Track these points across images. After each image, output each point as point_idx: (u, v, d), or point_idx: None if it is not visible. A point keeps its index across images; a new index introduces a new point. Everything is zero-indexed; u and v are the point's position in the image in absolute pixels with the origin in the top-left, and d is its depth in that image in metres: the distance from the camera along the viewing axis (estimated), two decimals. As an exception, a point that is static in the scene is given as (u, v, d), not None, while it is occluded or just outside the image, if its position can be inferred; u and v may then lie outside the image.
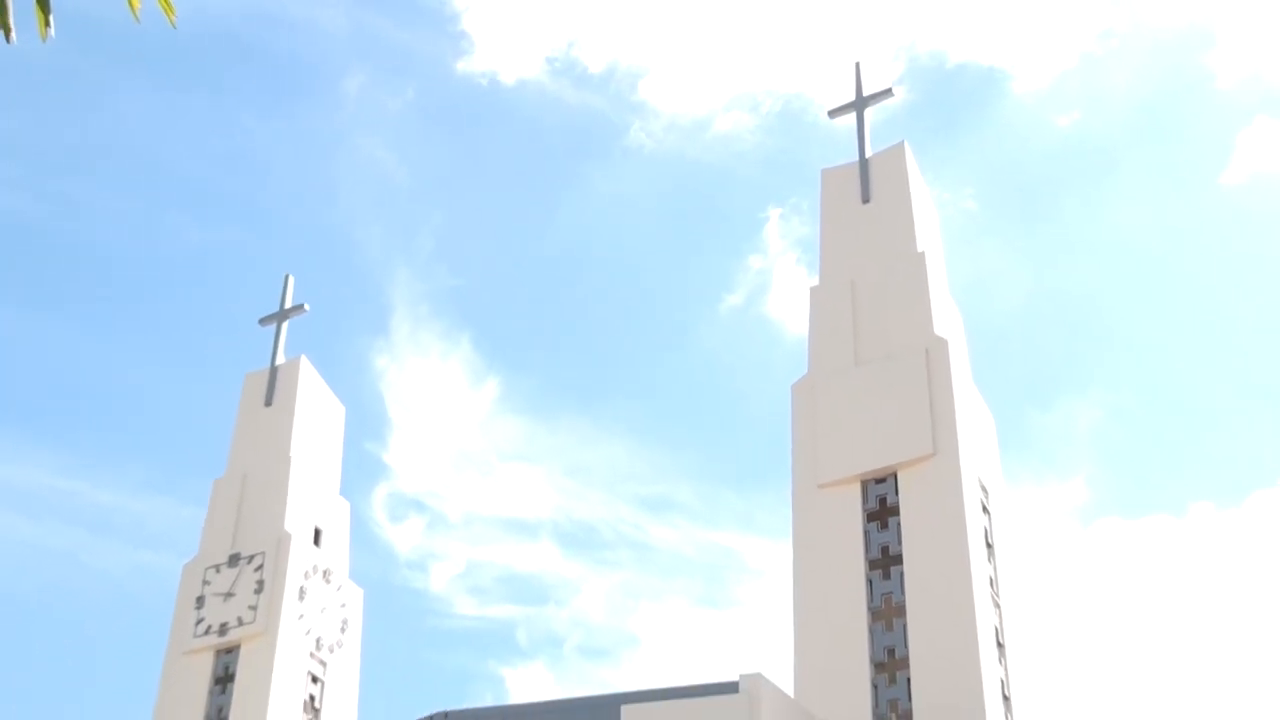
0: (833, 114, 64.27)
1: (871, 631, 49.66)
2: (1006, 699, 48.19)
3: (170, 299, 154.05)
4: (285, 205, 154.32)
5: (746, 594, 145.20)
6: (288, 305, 70.81)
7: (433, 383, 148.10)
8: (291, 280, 71.41)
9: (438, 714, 51.03)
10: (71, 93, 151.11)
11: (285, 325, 70.33)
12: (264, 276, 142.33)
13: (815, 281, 59.10)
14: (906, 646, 48.62)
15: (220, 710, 59.95)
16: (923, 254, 57.48)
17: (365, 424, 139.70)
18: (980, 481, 52.57)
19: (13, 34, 15.64)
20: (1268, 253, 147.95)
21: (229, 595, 62.30)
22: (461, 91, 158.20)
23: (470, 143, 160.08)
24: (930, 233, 60.82)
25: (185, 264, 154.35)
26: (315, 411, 68.60)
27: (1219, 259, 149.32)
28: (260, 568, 62.41)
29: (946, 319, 56.82)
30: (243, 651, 60.87)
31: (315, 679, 62.11)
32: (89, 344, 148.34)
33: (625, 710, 48.33)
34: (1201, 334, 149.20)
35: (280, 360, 69.38)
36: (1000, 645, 49.21)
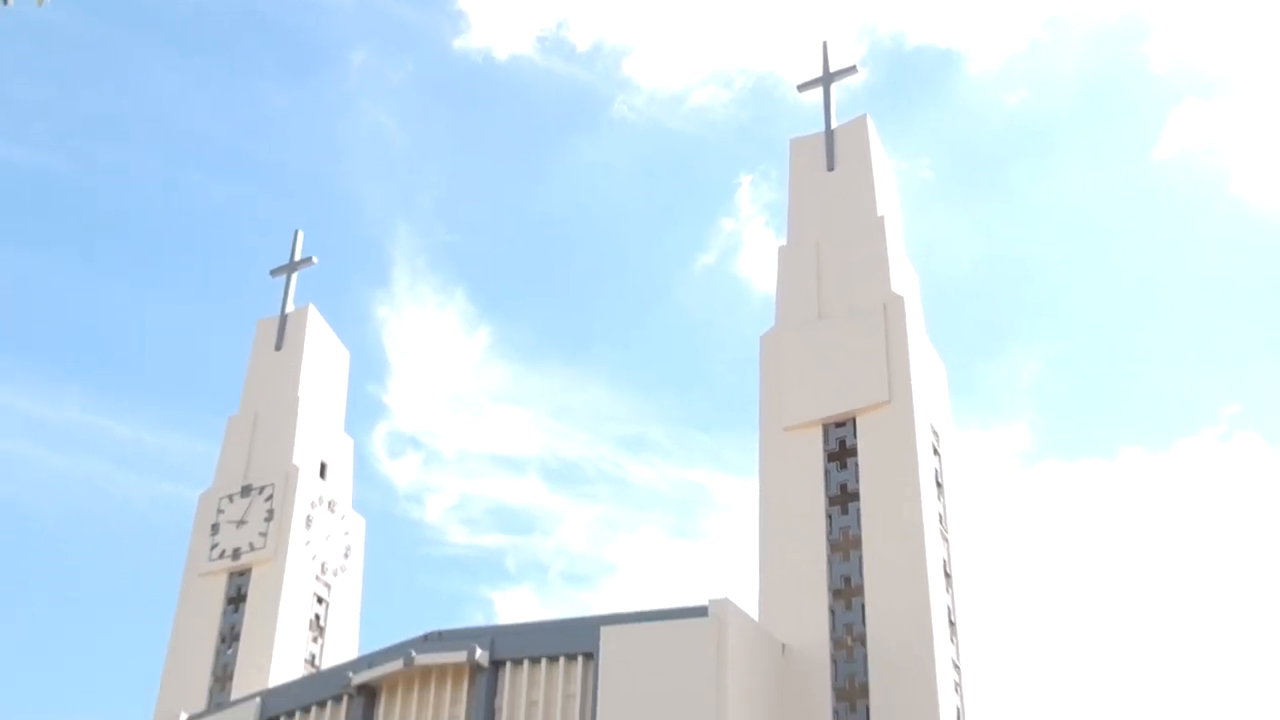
0: (801, 88, 64.16)
1: (830, 562, 49.84)
2: (953, 624, 48.36)
3: (189, 251, 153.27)
4: (295, 166, 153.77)
5: (715, 527, 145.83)
6: (297, 258, 70.49)
7: (429, 330, 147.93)
8: (301, 235, 71.08)
9: (432, 633, 50.57)
10: (100, 61, 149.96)
11: (295, 276, 70.05)
12: (275, 231, 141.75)
13: (783, 242, 59.07)
14: (862, 576, 48.78)
15: (233, 628, 60.03)
16: (882, 218, 57.50)
17: (367, 368, 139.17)
18: (932, 426, 52.68)
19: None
20: (1194, 221, 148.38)
21: (241, 523, 62.23)
22: (458, 66, 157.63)
23: (466, 112, 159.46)
24: (889, 199, 60.66)
25: (203, 219, 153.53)
26: (322, 355, 68.30)
27: (1150, 226, 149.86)
28: (270, 498, 62.39)
29: (903, 278, 56.76)
30: (254, 575, 60.86)
31: (320, 600, 62.10)
32: (114, 291, 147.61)
33: (604, 631, 48.04)
34: (1134, 294, 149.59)
35: (290, 308, 69.11)
36: (948, 576, 49.36)
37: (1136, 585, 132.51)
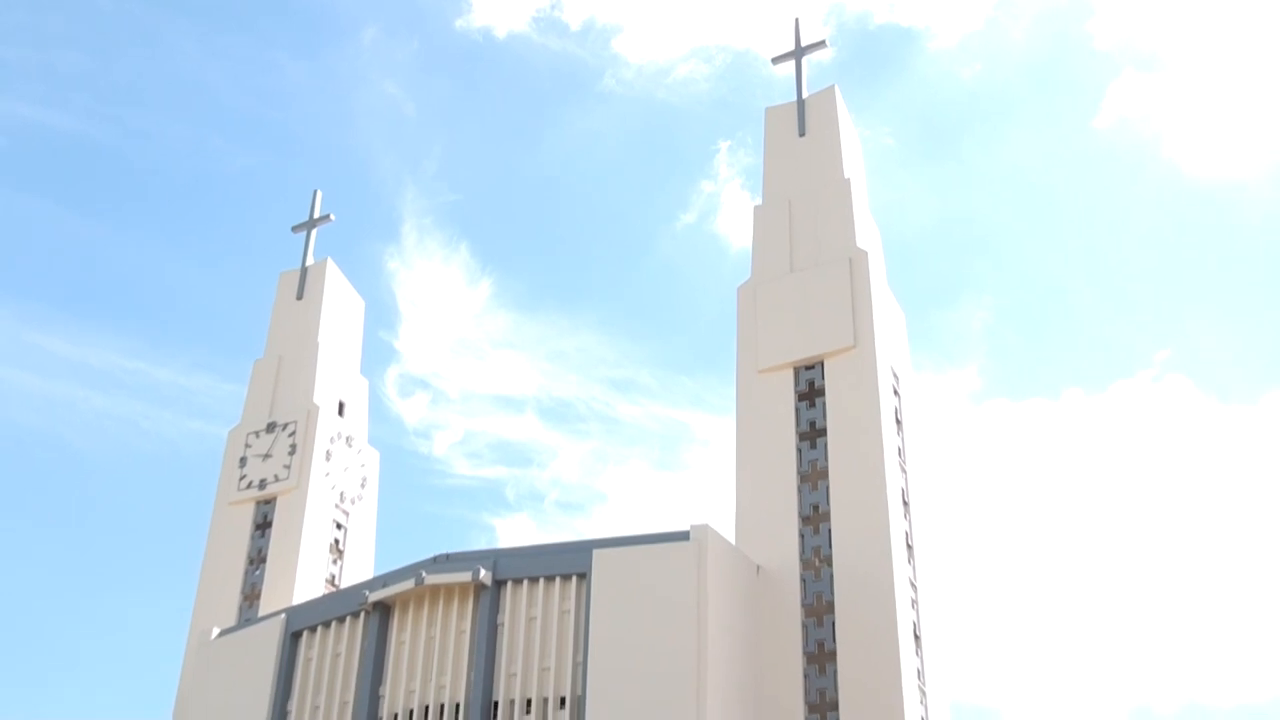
0: (775, 61, 63.72)
1: (800, 491, 49.93)
2: (910, 547, 48.52)
3: (216, 210, 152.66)
4: (313, 132, 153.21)
5: (696, 460, 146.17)
6: (316, 216, 70.10)
7: (436, 282, 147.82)
8: (319, 195, 70.69)
9: (441, 556, 50.73)
10: (132, 34, 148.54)
11: (314, 232, 69.71)
12: (294, 192, 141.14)
13: (758, 202, 58.72)
14: (829, 503, 48.89)
15: (260, 552, 60.12)
16: (848, 180, 57.28)
17: (380, 316, 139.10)
18: (892, 369, 52.62)
19: None
20: (1131, 183, 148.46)
21: (267, 456, 62.21)
22: (460, 43, 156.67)
23: (468, 85, 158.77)
24: (855, 163, 60.37)
25: (228, 181, 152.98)
26: (339, 305, 68.00)
27: (1091, 188, 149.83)
28: (293, 434, 62.36)
29: (867, 234, 56.61)
30: (278, 503, 60.93)
31: (339, 526, 62.14)
32: (148, 247, 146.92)
33: (596, 554, 48.19)
34: (1075, 249, 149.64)
35: (309, 262, 68.81)
36: (906, 504, 49.48)
37: (1076, 511, 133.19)
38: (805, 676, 45.39)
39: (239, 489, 61.44)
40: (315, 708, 49.22)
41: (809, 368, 51.91)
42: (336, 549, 61.07)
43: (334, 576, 60.11)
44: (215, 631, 53.94)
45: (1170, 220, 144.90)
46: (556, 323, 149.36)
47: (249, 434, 62.90)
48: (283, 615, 52.11)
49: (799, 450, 50.25)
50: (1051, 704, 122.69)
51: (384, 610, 49.38)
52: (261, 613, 55.88)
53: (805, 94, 60.37)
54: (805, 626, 46.31)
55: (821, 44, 62.09)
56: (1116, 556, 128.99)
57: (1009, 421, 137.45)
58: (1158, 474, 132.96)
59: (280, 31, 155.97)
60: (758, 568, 47.72)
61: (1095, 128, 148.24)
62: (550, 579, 47.25)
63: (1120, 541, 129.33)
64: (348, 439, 63.63)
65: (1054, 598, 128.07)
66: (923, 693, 45.55)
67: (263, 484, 60.98)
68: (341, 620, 50.28)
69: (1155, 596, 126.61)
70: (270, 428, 62.40)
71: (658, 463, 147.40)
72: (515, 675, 45.99)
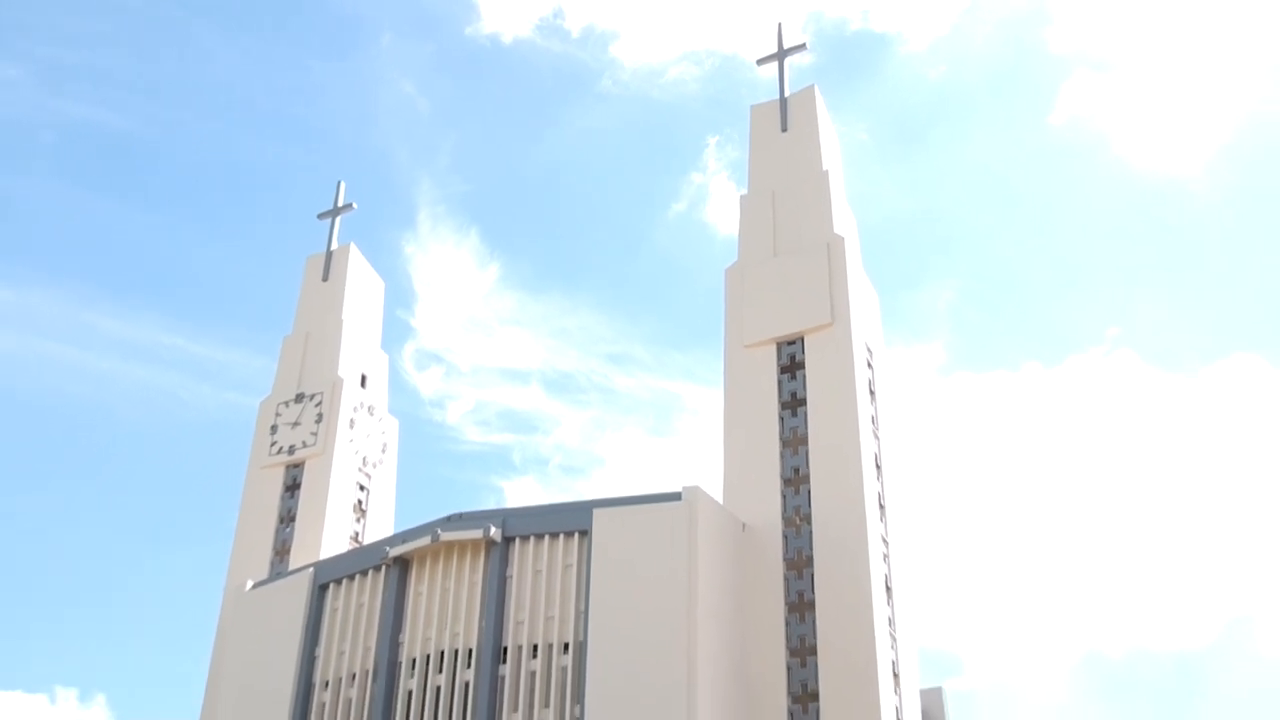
0: (759, 63, 63.34)
1: (782, 455, 49.81)
2: (882, 507, 48.52)
3: (249, 199, 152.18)
4: (336, 128, 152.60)
5: (687, 427, 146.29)
6: (339, 204, 69.66)
7: (449, 265, 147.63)
8: (342, 185, 70.30)
9: (454, 515, 50.69)
10: (172, 38, 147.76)
11: (337, 220, 69.32)
12: (320, 182, 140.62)
13: (744, 192, 58.46)
14: (808, 467, 48.81)
15: (289, 511, 59.98)
16: (827, 172, 57.13)
17: (398, 296, 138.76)
18: (866, 344, 52.48)
19: None
20: (1082, 175, 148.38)
21: (296, 424, 62.07)
22: (470, 47, 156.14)
23: (478, 85, 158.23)
24: (833, 156, 60.08)
25: (260, 172, 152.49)
26: (361, 286, 67.74)
27: (1046, 180, 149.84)
28: (320, 404, 62.25)
29: (843, 221, 56.39)
30: (307, 467, 60.82)
31: (362, 488, 62.08)
32: (185, 233, 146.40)
33: (596, 513, 48.14)
34: (1032, 235, 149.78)
35: (334, 246, 68.42)
36: (878, 467, 49.45)
37: (1034, 474, 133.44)
38: (787, 624, 45.46)
39: (270, 454, 61.36)
40: (341, 653, 49.31)
41: (790, 343, 51.84)
42: (359, 509, 61.05)
43: (357, 534, 60.11)
44: (249, 584, 53.96)
45: (1118, 209, 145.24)
46: (559, 302, 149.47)
47: (279, 404, 62.81)
48: (311, 569, 52.15)
49: (781, 418, 50.22)
50: (1010, 651, 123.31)
51: (403, 564, 49.42)
52: (291, 567, 55.90)
53: (787, 93, 60.16)
54: (787, 579, 46.36)
55: (802, 47, 61.84)
56: (1070, 515, 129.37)
57: (972, 392, 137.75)
58: (1108, 439, 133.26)
59: (306, 36, 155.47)
60: (743, 525, 47.75)
61: (1050, 124, 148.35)
62: (554, 536, 47.29)
63: (1073, 501, 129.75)
64: (369, 408, 63.56)
65: (1013, 553, 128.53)
66: (893, 639, 45.65)
67: (292, 450, 60.92)
68: (364, 573, 50.32)
69: (1104, 551, 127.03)
70: (299, 398, 62.32)
71: (652, 430, 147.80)
72: (523, 623, 46.07)
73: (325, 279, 66.92)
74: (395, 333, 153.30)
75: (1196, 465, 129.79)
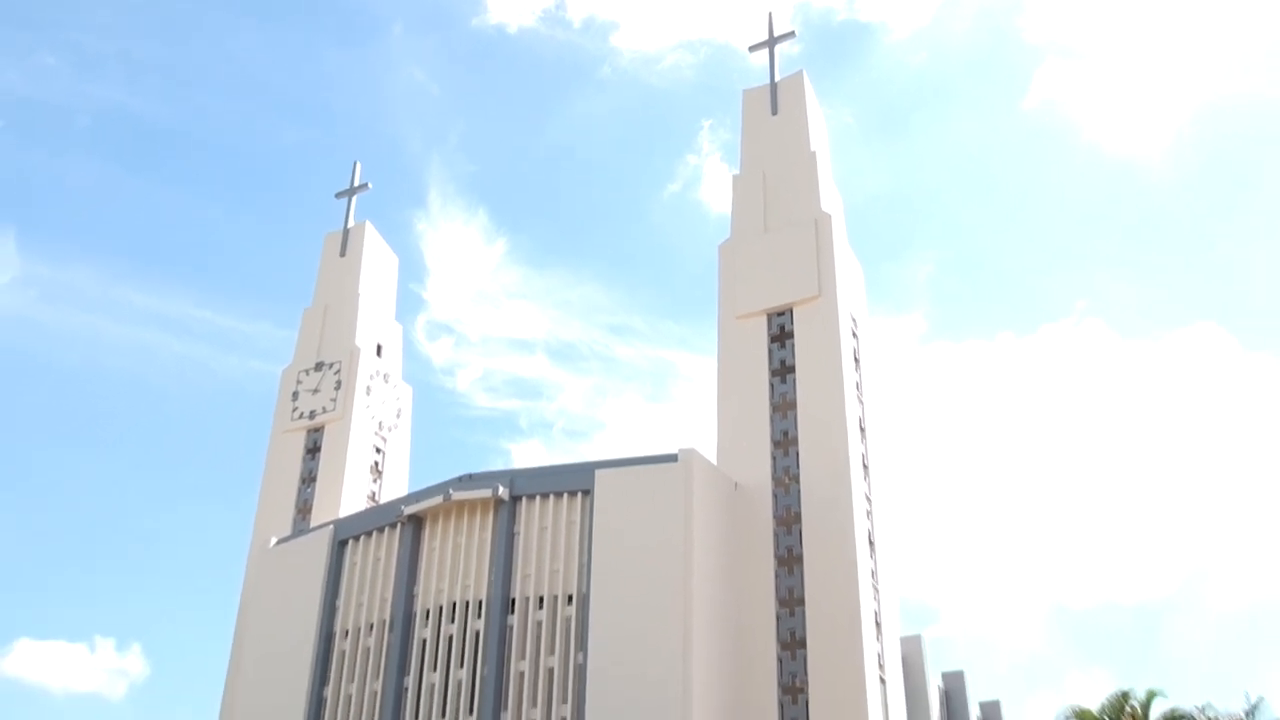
0: (751, 49, 62.86)
1: (772, 419, 49.84)
2: (866, 468, 48.60)
3: (270, 179, 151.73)
4: (353, 112, 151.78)
5: (682, 393, 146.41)
6: (355, 184, 69.37)
7: (458, 241, 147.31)
8: (358, 166, 70.00)
9: (465, 475, 50.71)
10: (199, 27, 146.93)
11: (354, 199, 69.00)
12: (337, 164, 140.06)
13: (736, 172, 58.11)
14: (796, 430, 48.84)
15: (310, 472, 59.97)
16: (814, 153, 56.84)
17: (410, 270, 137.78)
18: (851, 315, 52.41)
19: None
20: (1053, 156, 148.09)
21: (316, 391, 62.04)
22: (477, 37, 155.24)
23: (485, 73, 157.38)
24: (820, 138, 59.87)
25: (279, 154, 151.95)
26: (376, 261, 67.55)
27: (1018, 160, 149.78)
28: (338, 371, 62.19)
29: (830, 200, 56.24)
30: (326, 431, 60.87)
31: (378, 450, 62.13)
32: (212, 212, 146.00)
33: (598, 473, 48.32)
34: (1006, 212, 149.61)
35: (350, 224, 68.08)
36: (862, 430, 49.51)
37: (1008, 436, 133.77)
38: (776, 576, 45.64)
39: (292, 419, 61.39)
40: (359, 604, 49.50)
41: (780, 314, 51.79)
42: (376, 470, 61.13)
43: (374, 493, 60.21)
44: (273, 540, 54.11)
45: (1087, 188, 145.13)
46: (562, 276, 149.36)
47: (300, 372, 62.78)
48: (331, 526, 52.29)
49: (771, 385, 50.21)
50: (984, 602, 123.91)
51: (417, 522, 49.54)
52: (312, 524, 56.04)
53: (777, 79, 59.81)
54: (776, 534, 46.50)
55: (791, 35, 61.49)
56: (1040, 474, 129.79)
57: (950, 360, 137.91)
58: (1078, 404, 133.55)
59: (324, 27, 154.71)
60: (735, 484, 47.86)
61: (1024, 109, 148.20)
62: (559, 495, 47.39)
63: (1044, 461, 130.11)
64: (385, 376, 63.55)
65: (988, 510, 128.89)
66: (876, 590, 45.82)
67: (312, 415, 60.95)
68: (381, 530, 50.46)
69: (1072, 508, 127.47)
70: (318, 367, 62.30)
71: (649, 396, 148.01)
72: (529, 576, 46.23)
73: (343, 255, 66.77)
74: (408, 305, 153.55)
75: (1159, 427, 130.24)
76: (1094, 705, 38.00)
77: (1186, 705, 38.01)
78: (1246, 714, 37.44)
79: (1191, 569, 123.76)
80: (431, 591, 47.76)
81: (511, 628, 45.39)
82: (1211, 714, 37.67)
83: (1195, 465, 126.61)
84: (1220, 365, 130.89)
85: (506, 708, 44.14)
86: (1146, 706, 37.67)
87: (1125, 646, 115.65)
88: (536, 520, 47.18)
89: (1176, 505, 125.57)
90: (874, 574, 45.97)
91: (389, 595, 48.66)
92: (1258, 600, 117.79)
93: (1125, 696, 37.70)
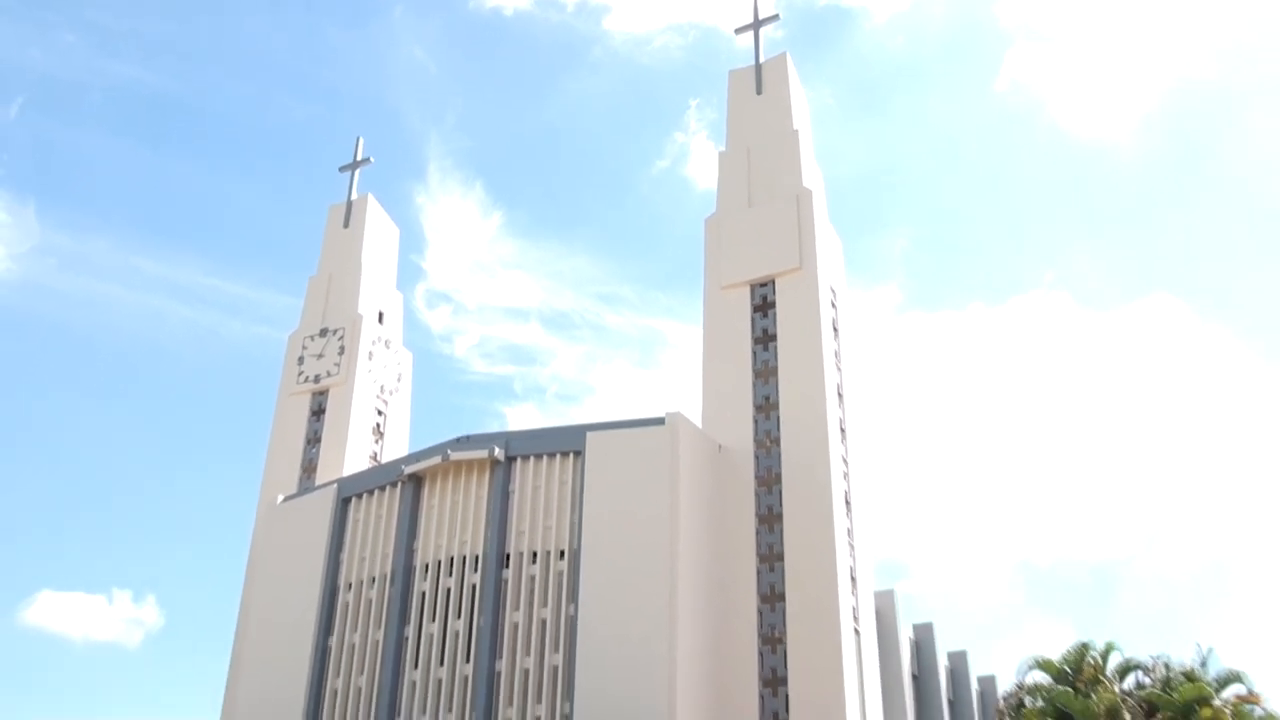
0: (737, 32, 62.38)
1: (754, 385, 49.86)
2: (843, 431, 48.71)
3: (277, 152, 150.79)
4: (355, 90, 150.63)
5: (669, 360, 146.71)
6: (358, 158, 68.94)
7: (456, 214, 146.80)
8: (361, 141, 69.54)
9: (462, 437, 50.71)
10: (209, 5, 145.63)
11: (357, 172, 68.61)
12: (341, 139, 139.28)
13: (722, 149, 57.97)
14: (778, 395, 48.92)
15: (316, 433, 59.89)
16: (797, 131, 56.68)
17: (411, 241, 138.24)
18: (830, 286, 52.39)
19: None
20: (1022, 136, 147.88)
21: (320, 356, 61.87)
22: (475, 19, 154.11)
23: (482, 54, 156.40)
24: (802, 117, 59.62)
25: (286, 129, 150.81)
26: (378, 232, 67.22)
27: (989, 140, 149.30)
28: (342, 337, 61.98)
29: (811, 176, 56.04)
30: (331, 394, 60.75)
31: (380, 413, 62.03)
32: (221, 183, 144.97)
33: (589, 435, 48.37)
34: (978, 188, 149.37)
35: (353, 196, 67.71)
36: (840, 396, 49.59)
37: (977, 401, 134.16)
38: (757, 534, 45.82)
39: (298, 383, 61.25)
40: (362, 559, 49.57)
41: (763, 285, 51.71)
42: (378, 431, 61.09)
43: (376, 454, 60.18)
44: (280, 498, 54.09)
45: (1054, 166, 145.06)
46: (555, 248, 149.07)
47: (305, 338, 62.59)
48: (335, 485, 52.29)
49: (754, 352, 50.21)
50: (953, 559, 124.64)
51: (417, 481, 49.56)
52: (318, 483, 56.03)
53: (762, 60, 59.47)
54: (757, 494, 46.65)
55: (775, 18, 61.05)
56: (1007, 438, 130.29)
57: (924, 329, 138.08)
58: (1044, 371, 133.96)
59: (328, 7, 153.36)
60: (719, 447, 47.93)
61: (995, 91, 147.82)
62: (552, 455, 47.42)
63: (1010, 425, 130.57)
64: (386, 342, 63.39)
65: (958, 473, 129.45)
66: (852, 548, 46.01)
67: (317, 379, 60.83)
68: (383, 489, 50.46)
69: (1037, 470, 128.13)
70: (323, 333, 62.11)
71: (638, 362, 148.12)
72: (524, 533, 46.33)
73: (346, 226, 66.44)
74: (408, 275, 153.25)
75: (1120, 393, 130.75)
76: (1055, 656, 38.26)
77: (1142, 656, 38.32)
78: (1198, 665, 37.72)
79: (1149, 529, 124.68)
80: (430, 547, 47.84)
81: (506, 581, 45.52)
82: (1165, 664, 37.93)
83: (1153, 430, 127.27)
84: (1175, 334, 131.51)
85: (501, 656, 44.35)
86: (1105, 657, 37.93)
87: (1085, 601, 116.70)
88: (530, 479, 47.23)
89: (1135, 469, 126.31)
90: (850, 532, 46.14)
91: (390, 550, 48.73)
92: (1209, 559, 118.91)
93: (1085, 648, 37.94)
